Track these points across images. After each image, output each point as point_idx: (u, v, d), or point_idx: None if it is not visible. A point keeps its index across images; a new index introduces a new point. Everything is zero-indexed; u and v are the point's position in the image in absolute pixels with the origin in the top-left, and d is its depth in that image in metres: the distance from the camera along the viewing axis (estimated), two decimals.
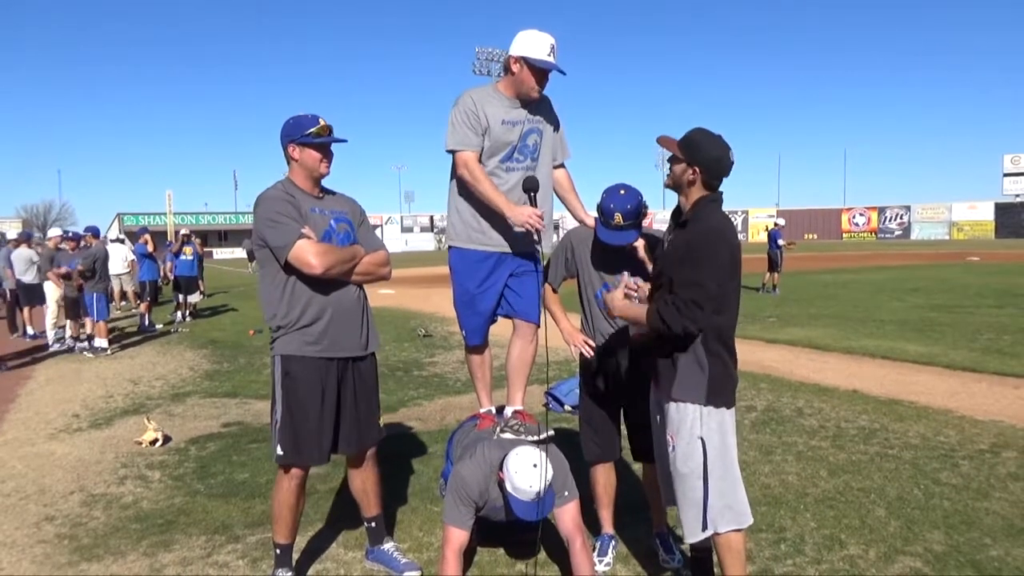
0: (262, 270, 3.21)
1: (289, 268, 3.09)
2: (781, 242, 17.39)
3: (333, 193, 3.39)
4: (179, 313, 14.42)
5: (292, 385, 3.15)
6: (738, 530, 2.79)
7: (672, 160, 2.81)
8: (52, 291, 11.48)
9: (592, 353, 3.39)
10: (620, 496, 3.63)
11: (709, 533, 2.78)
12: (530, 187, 3.22)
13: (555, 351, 8.75)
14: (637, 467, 3.82)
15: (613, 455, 3.51)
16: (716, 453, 2.75)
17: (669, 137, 2.85)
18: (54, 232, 12.80)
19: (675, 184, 2.82)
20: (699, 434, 2.73)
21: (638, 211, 3.22)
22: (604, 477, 3.50)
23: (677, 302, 2.64)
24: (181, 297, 14.49)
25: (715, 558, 3.22)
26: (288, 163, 3.24)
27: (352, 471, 3.48)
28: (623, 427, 3.54)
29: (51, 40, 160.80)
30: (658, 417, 2.95)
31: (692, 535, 2.81)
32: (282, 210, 3.09)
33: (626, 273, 3.00)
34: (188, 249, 14.67)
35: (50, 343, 11.31)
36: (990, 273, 21.87)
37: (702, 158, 2.74)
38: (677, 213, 2.89)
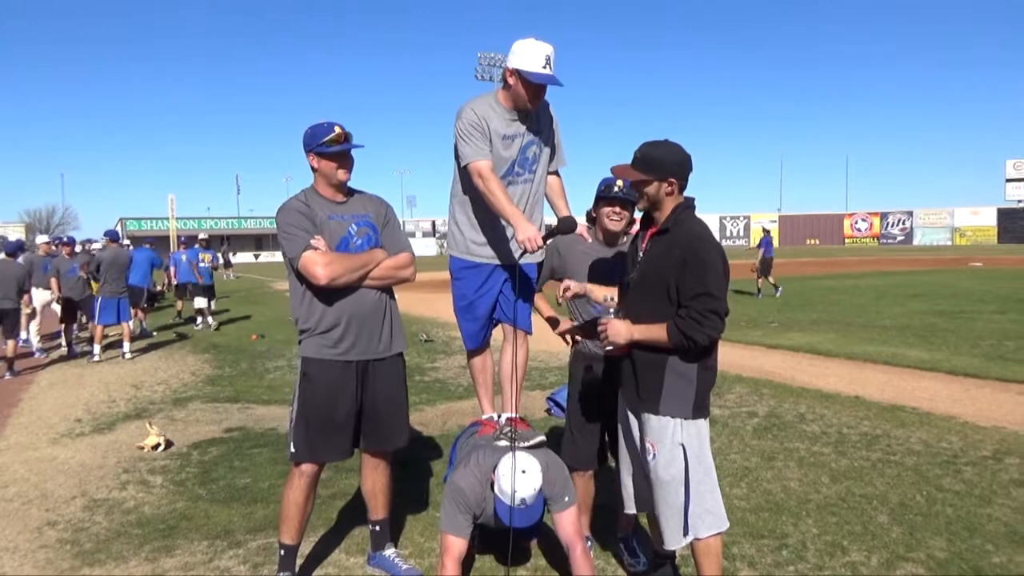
0: (289, 277, 3.30)
1: (302, 277, 3.16)
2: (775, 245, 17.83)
3: (360, 193, 3.41)
4: (199, 320, 14.29)
5: (308, 386, 3.23)
6: (717, 534, 2.82)
7: (641, 184, 2.78)
8: (39, 298, 11.38)
9: (581, 338, 3.42)
10: (606, 499, 3.64)
11: (690, 539, 2.79)
12: (560, 228, 3.17)
13: (556, 356, 8.76)
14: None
15: (594, 464, 3.53)
16: (696, 459, 2.76)
17: (623, 166, 2.82)
18: (42, 239, 12.85)
19: (652, 204, 2.81)
20: (680, 441, 2.75)
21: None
22: (584, 485, 3.52)
23: (694, 315, 2.63)
24: (203, 303, 14.26)
25: (677, 563, 3.24)
26: (312, 171, 3.29)
27: (366, 471, 3.50)
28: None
29: (54, 43, 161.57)
30: (631, 423, 2.95)
31: (673, 542, 2.81)
32: (295, 221, 3.16)
33: (609, 297, 2.98)
34: (207, 256, 14.45)
35: (34, 350, 11.32)
36: (993, 278, 21.84)
37: (674, 168, 2.75)
38: (647, 220, 2.90)
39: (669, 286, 2.70)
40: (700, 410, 2.78)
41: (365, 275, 3.22)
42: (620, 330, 2.78)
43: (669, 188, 2.76)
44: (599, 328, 2.88)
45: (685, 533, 2.77)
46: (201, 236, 16.06)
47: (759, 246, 18.12)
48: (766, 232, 18.89)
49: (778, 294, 16.93)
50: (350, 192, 3.35)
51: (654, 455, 2.78)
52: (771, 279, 17.43)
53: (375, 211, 3.38)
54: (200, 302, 14.45)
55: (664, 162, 2.75)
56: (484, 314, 3.49)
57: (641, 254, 2.87)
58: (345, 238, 3.23)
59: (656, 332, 2.70)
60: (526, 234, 3.07)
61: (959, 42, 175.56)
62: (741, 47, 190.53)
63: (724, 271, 2.72)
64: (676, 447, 2.74)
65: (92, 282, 10.92)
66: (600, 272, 3.40)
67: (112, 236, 11.60)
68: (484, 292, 3.45)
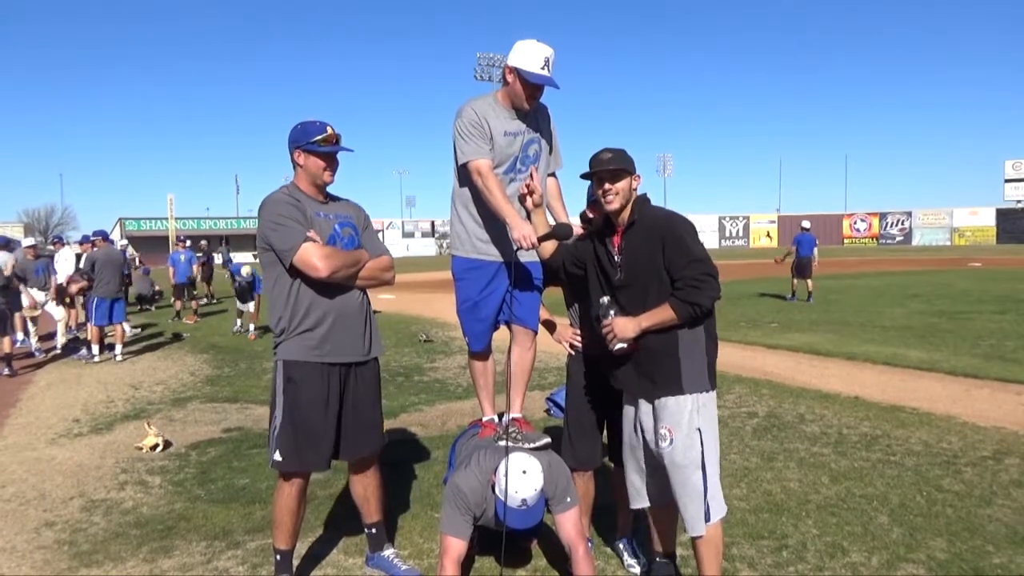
0: (266, 273, 3.21)
1: (294, 272, 3.10)
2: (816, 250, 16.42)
3: (337, 199, 3.40)
4: (239, 322, 13.17)
5: (294, 390, 3.14)
6: (719, 520, 2.89)
7: (615, 178, 2.88)
8: (31, 298, 11.30)
9: (583, 345, 3.44)
10: (606, 500, 3.65)
11: (711, 523, 2.84)
12: (558, 233, 3.19)
13: (555, 356, 8.75)
14: None
15: (594, 463, 3.53)
16: (710, 443, 2.84)
17: (602, 167, 2.93)
18: (28, 242, 12.64)
19: (626, 198, 2.92)
20: (697, 425, 2.81)
21: None
22: (585, 485, 3.51)
23: (693, 282, 2.74)
24: (240, 305, 13.10)
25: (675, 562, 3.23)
26: (294, 168, 3.24)
27: (354, 477, 3.47)
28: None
29: (53, 43, 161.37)
30: (641, 416, 2.95)
31: (697, 527, 2.84)
32: (287, 213, 3.09)
33: (605, 300, 2.94)
34: (247, 269, 12.92)
35: (32, 350, 11.26)
36: (992, 279, 21.84)
37: (634, 166, 2.96)
38: (609, 226, 2.99)
39: (659, 269, 2.81)
40: (712, 380, 2.89)
41: (357, 272, 3.21)
42: (627, 325, 2.84)
43: (636, 183, 2.95)
44: (604, 331, 2.91)
45: (707, 518, 2.82)
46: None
47: (794, 244, 16.72)
48: (804, 230, 17.13)
49: (810, 301, 15.68)
50: (327, 195, 3.33)
51: (671, 440, 2.81)
52: (809, 283, 16.09)
53: (355, 214, 3.38)
54: (248, 305, 12.94)
55: (630, 159, 2.94)
56: (489, 315, 3.48)
57: (617, 257, 2.94)
58: (332, 236, 3.20)
59: (662, 314, 2.79)
60: (521, 232, 3.10)
61: (958, 42, 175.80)
62: (740, 48, 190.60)
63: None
64: (693, 432, 2.80)
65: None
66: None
67: (103, 235, 11.38)
68: (489, 293, 3.44)
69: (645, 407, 2.94)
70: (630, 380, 2.97)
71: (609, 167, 2.88)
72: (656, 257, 2.81)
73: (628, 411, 3.05)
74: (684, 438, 2.80)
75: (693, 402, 2.82)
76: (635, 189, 2.95)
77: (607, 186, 2.88)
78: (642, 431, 2.97)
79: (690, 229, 2.85)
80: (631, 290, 2.89)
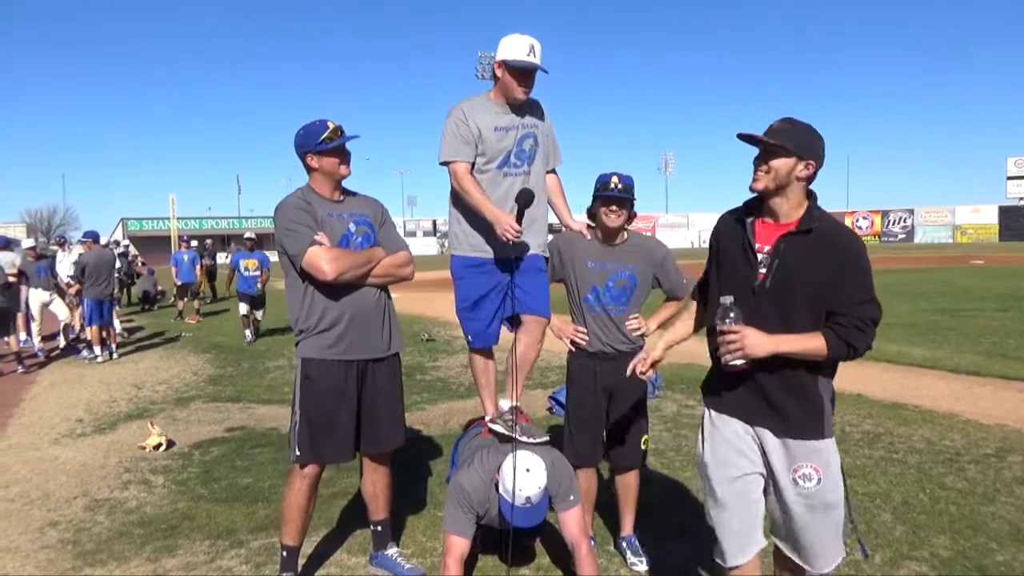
0: (286, 277, 3.27)
1: (305, 274, 3.14)
2: None
3: (355, 195, 3.41)
4: (247, 332, 12.07)
5: (310, 387, 3.20)
6: None
7: (770, 155, 2.35)
8: (36, 299, 11.31)
9: (586, 340, 3.45)
10: (607, 499, 3.65)
11: (843, 553, 2.66)
12: (523, 201, 3.17)
13: (557, 355, 8.75)
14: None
15: (596, 459, 3.54)
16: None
17: (756, 134, 2.38)
18: (28, 243, 12.65)
19: (778, 185, 2.36)
20: (840, 462, 2.56)
21: (631, 185, 3.36)
22: (586, 481, 3.51)
23: (858, 323, 2.33)
24: (246, 310, 12.17)
25: None
26: (308, 172, 3.26)
27: (367, 472, 3.50)
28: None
29: (55, 43, 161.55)
30: (771, 448, 2.51)
31: (829, 565, 2.63)
32: (296, 218, 3.14)
33: (729, 302, 2.39)
34: (251, 263, 12.20)
35: (35, 351, 11.27)
36: (994, 276, 21.82)
37: (817, 149, 2.36)
38: (756, 207, 2.48)
39: (821, 293, 2.35)
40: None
41: (369, 272, 3.22)
42: (761, 342, 2.34)
43: (804, 171, 2.35)
44: (728, 339, 2.36)
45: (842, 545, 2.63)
46: (248, 235, 13.13)
47: None
48: None
49: None
50: (345, 192, 3.35)
51: (819, 480, 2.48)
52: None
53: (372, 211, 3.39)
54: (243, 308, 12.16)
55: (806, 137, 2.36)
56: (489, 313, 3.49)
57: (768, 257, 2.41)
58: (345, 235, 3.23)
59: (809, 343, 2.33)
60: (502, 226, 3.15)
61: (961, 39, 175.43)
62: (741, 46, 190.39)
63: None
64: (838, 470, 2.53)
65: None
66: (600, 270, 3.41)
67: (93, 237, 11.22)
68: (487, 290, 3.45)
69: (767, 436, 2.50)
70: (748, 407, 2.51)
71: (768, 139, 2.33)
72: (821, 277, 2.33)
73: (720, 430, 2.57)
74: (834, 475, 2.50)
75: (832, 444, 2.50)
76: (801, 179, 2.35)
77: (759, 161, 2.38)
78: (764, 454, 2.53)
79: (868, 263, 2.39)
80: (769, 299, 2.39)
